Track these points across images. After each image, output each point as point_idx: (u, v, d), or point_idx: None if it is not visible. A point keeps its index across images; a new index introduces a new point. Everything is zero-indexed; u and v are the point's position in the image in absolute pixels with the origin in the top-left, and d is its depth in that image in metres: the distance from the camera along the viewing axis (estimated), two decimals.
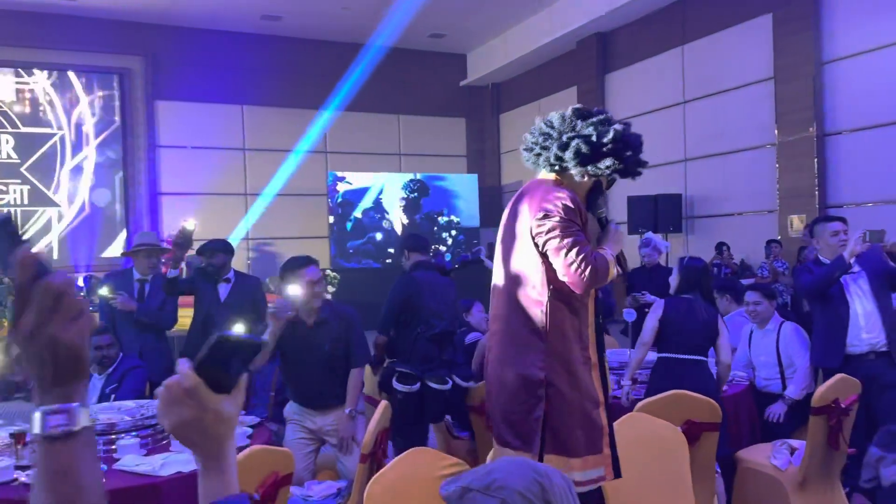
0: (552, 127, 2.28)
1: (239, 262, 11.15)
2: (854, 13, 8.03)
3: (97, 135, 11.75)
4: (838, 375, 3.19)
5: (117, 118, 11.87)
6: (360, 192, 12.83)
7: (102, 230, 11.73)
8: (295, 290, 3.15)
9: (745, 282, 6.54)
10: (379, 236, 12.90)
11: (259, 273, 11.78)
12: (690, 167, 10.19)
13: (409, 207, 13.15)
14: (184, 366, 0.87)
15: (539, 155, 2.31)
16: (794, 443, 3.36)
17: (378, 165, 13.43)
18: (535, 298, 2.22)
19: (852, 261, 3.58)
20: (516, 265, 2.28)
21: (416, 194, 13.13)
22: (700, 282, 3.66)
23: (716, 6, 9.70)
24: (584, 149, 2.14)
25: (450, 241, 13.37)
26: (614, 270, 2.15)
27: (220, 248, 4.65)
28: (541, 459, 2.15)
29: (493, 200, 14.77)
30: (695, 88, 10.11)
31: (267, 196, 12.67)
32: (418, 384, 3.79)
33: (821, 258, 3.84)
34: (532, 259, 2.23)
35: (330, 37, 12.90)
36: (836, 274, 3.61)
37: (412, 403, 3.80)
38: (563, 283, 2.15)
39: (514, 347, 2.26)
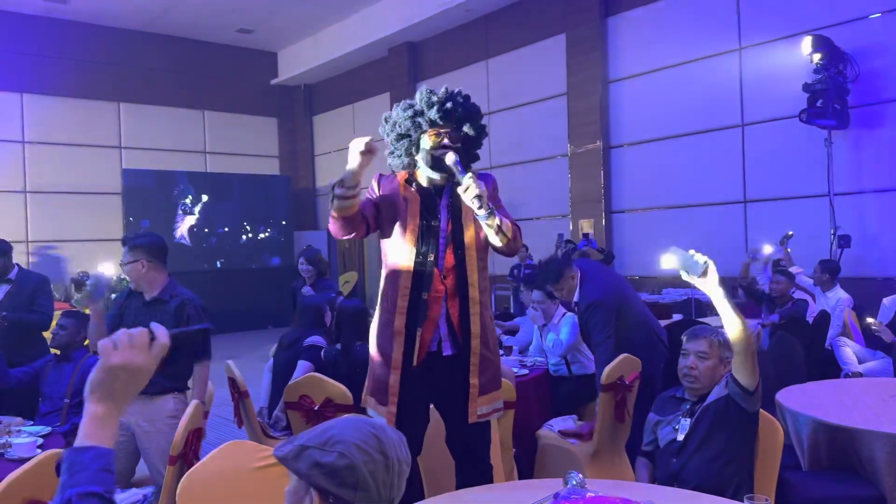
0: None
1: None
2: (633, 38, 9.03)
3: None
4: (622, 356, 3.57)
5: None
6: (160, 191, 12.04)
7: None
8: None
9: None
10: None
11: None
12: (495, 175, 10.77)
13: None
14: (161, 329, 1.05)
15: None
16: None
17: (180, 163, 12.69)
18: None
19: None
20: None
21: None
22: None
23: (515, 24, 10.40)
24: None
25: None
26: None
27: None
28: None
29: (306, 203, 14.55)
30: (498, 100, 10.75)
31: (51, 194, 11.49)
32: None
33: None
34: None
35: (124, 24, 11.99)
36: None
37: None
38: (386, 252, 2.54)
39: None
